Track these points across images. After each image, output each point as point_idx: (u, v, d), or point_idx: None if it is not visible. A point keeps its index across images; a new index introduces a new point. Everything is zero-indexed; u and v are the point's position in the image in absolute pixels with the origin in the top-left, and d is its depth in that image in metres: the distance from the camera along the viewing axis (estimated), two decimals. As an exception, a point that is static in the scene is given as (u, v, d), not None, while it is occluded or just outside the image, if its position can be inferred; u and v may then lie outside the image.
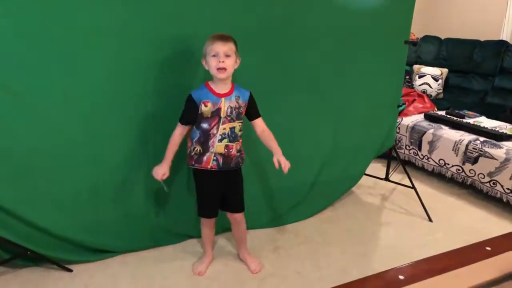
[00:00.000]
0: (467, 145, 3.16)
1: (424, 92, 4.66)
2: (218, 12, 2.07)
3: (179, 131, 1.92)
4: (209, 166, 1.94)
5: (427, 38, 5.18)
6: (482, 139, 3.17)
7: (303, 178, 2.66)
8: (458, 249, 1.13)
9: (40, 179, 1.94)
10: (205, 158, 1.93)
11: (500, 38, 4.76)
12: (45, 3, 1.73)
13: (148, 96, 2.03)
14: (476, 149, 3.10)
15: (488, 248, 1.08)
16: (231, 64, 1.83)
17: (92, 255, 2.19)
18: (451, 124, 3.49)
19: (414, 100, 4.16)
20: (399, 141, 3.69)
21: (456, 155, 3.23)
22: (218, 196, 2.05)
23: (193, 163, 1.96)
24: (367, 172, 3.09)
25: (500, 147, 3.02)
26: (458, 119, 3.58)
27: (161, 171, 1.93)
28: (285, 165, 1.92)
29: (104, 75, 1.92)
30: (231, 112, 1.89)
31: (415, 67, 4.94)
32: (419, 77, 4.81)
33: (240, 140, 1.99)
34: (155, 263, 2.21)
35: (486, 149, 3.04)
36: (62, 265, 2.10)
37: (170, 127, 1.93)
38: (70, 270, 2.11)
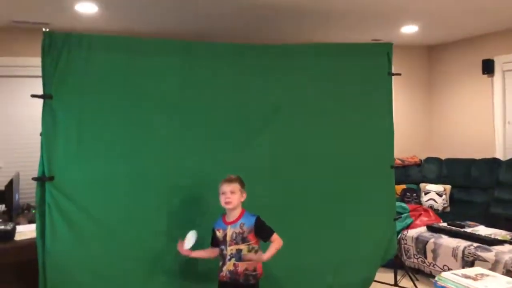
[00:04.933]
0: (463, 251, 3.62)
1: (431, 207, 5.19)
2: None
3: (210, 250, 2.56)
4: (223, 279, 2.48)
5: (429, 160, 5.87)
6: (475, 244, 3.64)
7: (318, 284, 3.16)
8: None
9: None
10: (221, 272, 2.48)
11: (493, 156, 5.39)
12: None
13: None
14: (471, 253, 3.55)
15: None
16: (236, 198, 2.45)
17: None
18: (450, 233, 3.98)
19: (421, 214, 4.69)
20: (408, 251, 4.16)
21: (456, 260, 3.66)
22: None
23: (218, 275, 2.52)
24: (378, 280, 3.54)
25: (490, 251, 3.46)
26: (456, 228, 4.07)
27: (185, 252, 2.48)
28: (260, 257, 2.38)
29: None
30: (235, 237, 2.44)
31: (421, 185, 5.56)
32: (425, 194, 5.39)
33: (253, 262, 2.43)
34: None
35: (479, 253, 3.49)
36: None
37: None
38: None
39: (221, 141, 2.90)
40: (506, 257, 3.31)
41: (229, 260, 2.46)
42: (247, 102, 3.00)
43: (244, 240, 2.45)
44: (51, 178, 2.47)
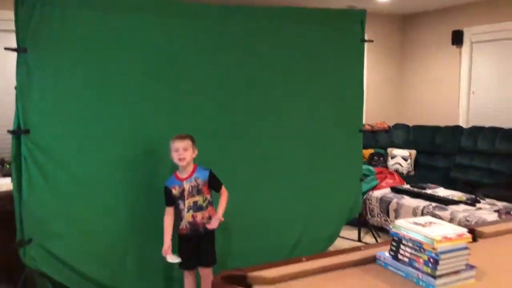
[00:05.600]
0: (422, 210, 3.88)
1: (396, 170, 5.45)
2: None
3: (167, 212, 2.63)
4: (184, 232, 2.62)
5: (397, 126, 6.10)
6: (434, 204, 3.90)
7: (285, 240, 3.34)
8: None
9: (89, 239, 2.70)
10: (180, 227, 2.62)
11: (457, 124, 5.65)
12: None
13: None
14: (429, 212, 3.81)
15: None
16: (189, 155, 2.55)
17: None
18: (412, 194, 4.23)
19: (386, 177, 4.94)
20: (372, 211, 4.40)
21: (415, 219, 3.92)
22: (192, 254, 2.64)
23: (177, 229, 2.65)
24: (343, 236, 3.77)
25: (447, 210, 3.73)
26: (418, 190, 4.33)
27: (164, 248, 2.57)
28: (213, 223, 2.57)
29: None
30: (191, 190, 2.58)
31: (389, 150, 5.80)
32: (391, 158, 5.64)
33: (208, 210, 2.62)
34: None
35: (436, 212, 3.75)
36: (99, 305, 2.76)
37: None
38: (105, 310, 2.76)
39: (189, 101, 2.95)
40: (460, 216, 3.57)
41: (187, 212, 2.59)
42: (217, 66, 3.05)
43: (199, 192, 2.61)
44: (27, 132, 2.50)
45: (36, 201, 2.55)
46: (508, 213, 3.51)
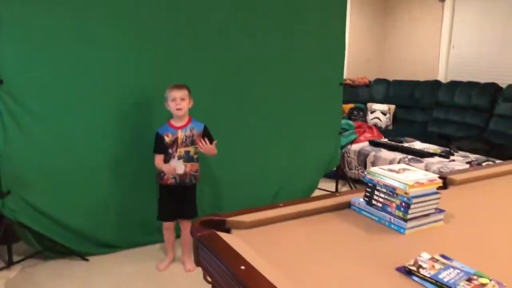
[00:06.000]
0: (398, 162, 3.97)
1: (375, 125, 5.53)
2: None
3: (158, 158, 2.59)
4: (168, 182, 2.62)
5: (378, 81, 6.13)
6: (410, 157, 4.00)
7: (265, 190, 3.41)
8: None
9: (68, 190, 2.70)
10: (165, 177, 2.60)
11: (436, 79, 5.71)
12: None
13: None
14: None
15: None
16: (185, 105, 2.56)
17: (104, 248, 2.89)
18: (389, 147, 4.32)
19: (365, 131, 5.01)
20: (350, 163, 4.50)
21: (392, 171, 4.02)
22: (174, 205, 2.66)
23: (159, 179, 2.65)
24: (321, 187, 3.86)
25: (422, 162, 3.84)
26: (395, 143, 4.42)
27: (169, 169, 2.55)
28: (206, 146, 2.55)
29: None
30: (185, 140, 2.59)
31: (368, 104, 5.85)
32: (371, 113, 5.71)
33: (197, 164, 2.66)
34: (147, 254, 2.93)
35: (412, 164, 3.85)
36: (82, 256, 2.81)
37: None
38: (87, 260, 2.82)
39: (170, 52, 2.88)
40: (434, 167, 3.69)
41: (178, 160, 2.58)
42: (198, 18, 2.96)
43: (193, 142, 2.63)
44: (1, 82, 2.43)
45: (13, 153, 2.53)
46: (479, 164, 3.63)
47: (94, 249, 2.87)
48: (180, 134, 2.60)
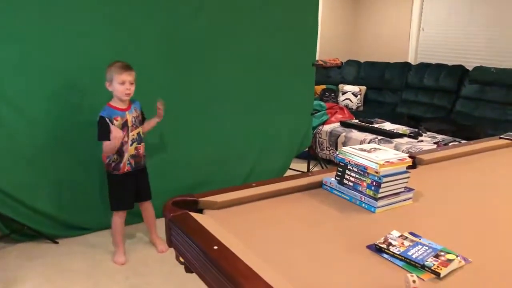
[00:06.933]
0: (369, 143, 4.04)
1: (346, 106, 5.59)
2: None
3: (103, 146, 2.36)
4: (125, 170, 2.48)
5: (349, 62, 6.17)
6: (380, 137, 4.07)
7: (238, 171, 3.42)
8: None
9: (34, 172, 2.61)
10: (121, 165, 2.45)
11: (406, 61, 5.79)
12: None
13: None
14: (375, 145, 3.98)
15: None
16: (133, 88, 2.37)
17: (73, 231, 2.84)
18: (359, 128, 4.38)
19: (336, 112, 5.06)
20: (321, 144, 4.54)
21: (362, 151, 4.10)
22: (132, 191, 2.55)
23: (112, 170, 2.46)
24: (293, 168, 3.89)
25: (391, 142, 3.92)
26: (366, 124, 4.48)
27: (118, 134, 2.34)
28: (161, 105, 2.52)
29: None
30: (135, 121, 2.45)
31: (340, 86, 5.90)
32: (342, 94, 5.76)
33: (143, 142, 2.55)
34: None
35: (382, 144, 3.92)
36: (51, 238, 2.75)
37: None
38: (57, 242, 2.77)
39: (133, 28, 2.77)
40: (403, 148, 3.77)
41: (131, 145, 2.46)
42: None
43: (140, 123, 2.53)
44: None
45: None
46: (446, 145, 3.73)
47: (64, 232, 2.81)
48: (129, 117, 2.44)
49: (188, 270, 1.34)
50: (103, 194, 2.83)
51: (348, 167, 1.63)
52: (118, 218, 2.59)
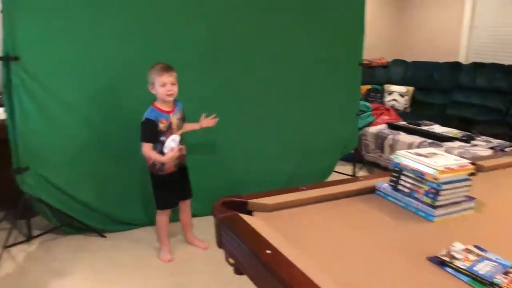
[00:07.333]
0: (418, 146, 3.89)
1: (392, 107, 5.42)
2: None
3: (147, 148, 2.36)
4: (170, 170, 2.48)
5: (395, 62, 5.98)
6: (429, 141, 3.91)
7: (283, 169, 3.37)
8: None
9: (84, 167, 2.69)
10: (166, 166, 2.45)
11: (456, 60, 5.55)
12: None
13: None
14: (424, 148, 3.83)
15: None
16: (176, 89, 2.37)
17: (120, 226, 2.90)
18: (407, 130, 4.23)
19: (382, 113, 4.91)
20: (367, 146, 4.42)
21: (410, 155, 3.95)
22: (176, 190, 2.57)
23: (157, 171, 2.46)
24: (338, 170, 3.81)
25: (442, 146, 3.75)
26: (414, 126, 4.33)
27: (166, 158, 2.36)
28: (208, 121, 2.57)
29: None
30: (179, 123, 2.45)
31: (386, 86, 5.73)
32: (389, 94, 5.59)
33: None
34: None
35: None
36: (99, 232, 2.82)
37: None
38: (104, 236, 2.84)
39: (179, 34, 2.81)
40: (455, 152, 3.60)
41: (177, 146, 2.42)
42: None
43: (183, 123, 2.53)
44: (17, 58, 2.39)
45: (30, 130, 2.52)
46: (502, 150, 3.54)
47: (111, 226, 2.88)
48: (173, 119, 2.43)
49: (238, 272, 1.32)
50: (147, 191, 2.87)
51: (404, 172, 1.56)
52: (163, 216, 2.61)
